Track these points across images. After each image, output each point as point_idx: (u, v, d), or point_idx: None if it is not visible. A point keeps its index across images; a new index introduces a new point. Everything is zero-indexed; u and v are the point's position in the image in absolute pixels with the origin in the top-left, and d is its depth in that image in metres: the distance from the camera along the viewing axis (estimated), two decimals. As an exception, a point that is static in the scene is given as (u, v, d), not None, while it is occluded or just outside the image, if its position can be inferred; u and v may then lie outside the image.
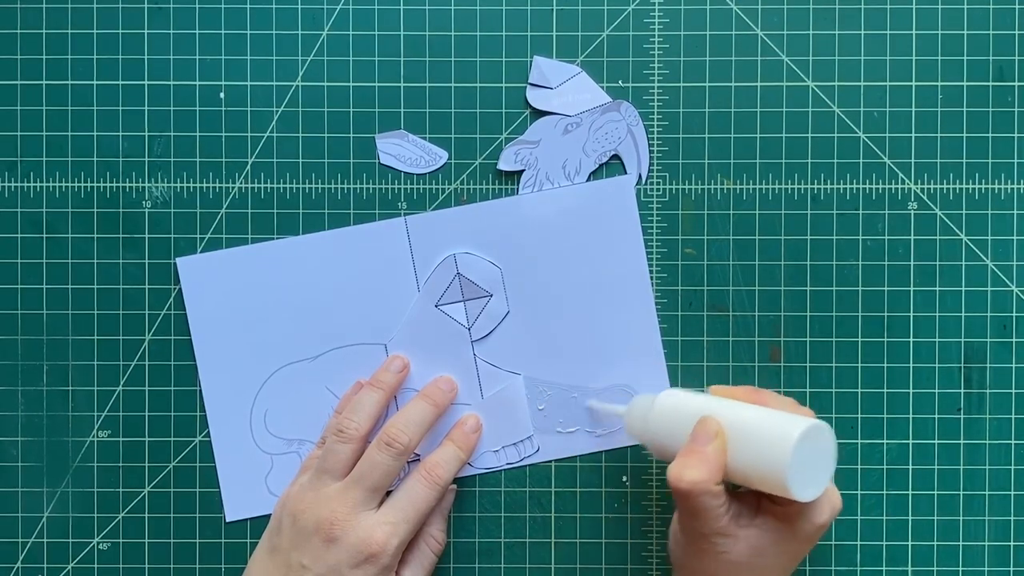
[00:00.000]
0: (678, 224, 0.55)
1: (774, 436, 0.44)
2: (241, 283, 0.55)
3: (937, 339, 0.55)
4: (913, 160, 0.55)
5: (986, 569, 0.55)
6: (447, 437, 0.54)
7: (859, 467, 0.55)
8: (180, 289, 0.55)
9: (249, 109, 0.55)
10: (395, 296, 0.55)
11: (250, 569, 0.51)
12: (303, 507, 0.50)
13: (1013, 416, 0.55)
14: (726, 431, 0.45)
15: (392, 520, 0.49)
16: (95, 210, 0.56)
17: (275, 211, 0.55)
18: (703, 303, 0.55)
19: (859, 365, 0.55)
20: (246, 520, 0.55)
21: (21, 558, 0.55)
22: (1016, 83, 0.55)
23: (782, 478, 0.43)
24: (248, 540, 0.55)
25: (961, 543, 0.55)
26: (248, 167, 0.55)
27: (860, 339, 0.55)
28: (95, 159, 0.56)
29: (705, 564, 0.46)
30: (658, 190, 0.56)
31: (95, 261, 0.56)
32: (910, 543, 0.55)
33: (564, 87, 0.55)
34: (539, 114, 0.55)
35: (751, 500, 0.47)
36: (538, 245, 0.55)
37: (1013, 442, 0.55)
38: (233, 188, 0.56)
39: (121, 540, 0.55)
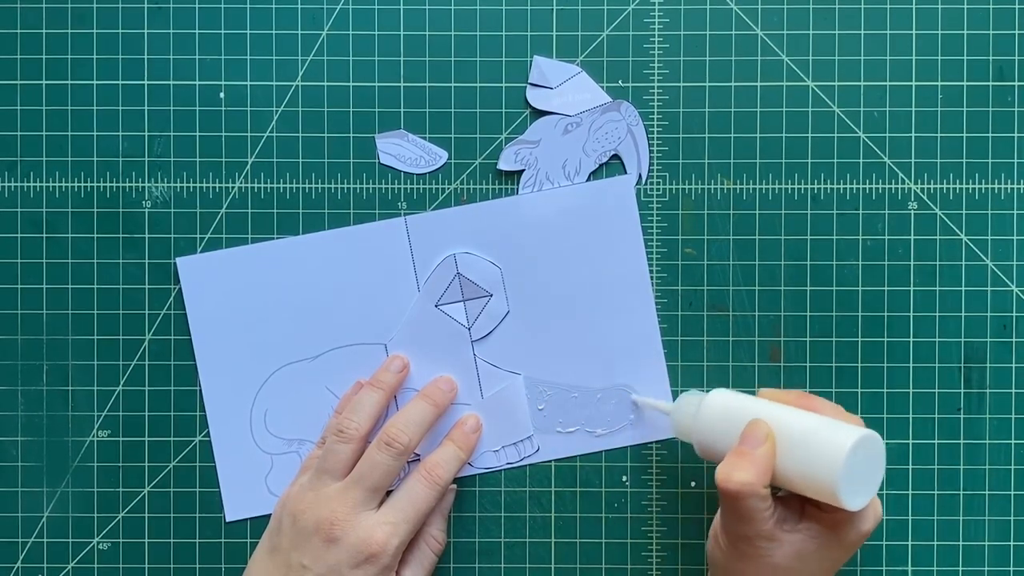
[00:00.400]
0: (678, 224, 0.55)
1: (827, 444, 0.44)
2: (241, 283, 0.55)
3: (937, 339, 0.55)
4: (913, 160, 0.55)
5: (986, 569, 0.55)
6: (447, 437, 0.54)
7: (859, 467, 0.55)
8: (180, 289, 0.55)
9: (249, 109, 0.55)
10: (395, 296, 0.55)
11: (250, 569, 0.51)
12: (303, 507, 0.50)
13: (1013, 416, 0.55)
14: (776, 435, 0.46)
15: (392, 520, 0.49)
16: (95, 210, 0.56)
17: (275, 211, 0.55)
18: (703, 303, 0.55)
19: (859, 365, 0.55)
20: (246, 520, 0.55)
21: (21, 558, 0.55)
22: (1016, 83, 0.55)
23: (833, 486, 0.43)
24: (248, 540, 0.55)
25: (961, 543, 0.55)
26: (248, 167, 0.55)
27: (860, 339, 0.55)
28: (95, 159, 0.56)
29: (746, 566, 0.46)
30: (658, 190, 0.55)
31: (95, 261, 0.56)
32: (910, 543, 0.55)
33: (564, 87, 0.55)
34: (539, 114, 0.55)
35: (795, 505, 0.47)
36: (538, 245, 0.55)
37: (1013, 442, 0.55)
38: (233, 188, 0.56)
39: (121, 540, 0.55)
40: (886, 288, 0.55)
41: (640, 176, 0.55)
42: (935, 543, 0.55)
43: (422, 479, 0.51)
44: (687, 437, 0.51)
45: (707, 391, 0.50)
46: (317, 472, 0.51)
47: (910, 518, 0.55)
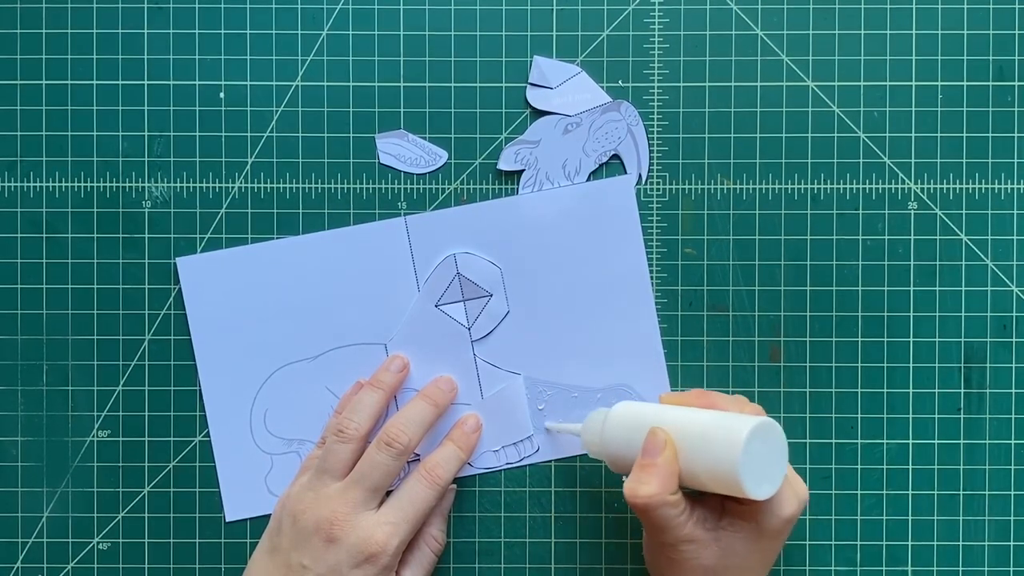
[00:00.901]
0: (678, 224, 0.55)
1: (723, 438, 0.44)
2: (241, 283, 0.55)
3: (937, 339, 0.55)
4: (913, 160, 0.55)
5: (986, 569, 0.55)
6: (447, 437, 0.54)
7: (859, 467, 0.55)
8: (180, 289, 0.55)
9: (249, 109, 0.55)
10: (395, 296, 0.55)
11: (250, 569, 0.51)
12: (303, 507, 0.50)
13: (1013, 416, 0.55)
14: (677, 438, 0.46)
15: (392, 520, 0.49)
16: (95, 210, 0.56)
17: (275, 211, 0.55)
18: (703, 303, 0.55)
19: (859, 365, 0.55)
20: (246, 520, 0.55)
21: (21, 558, 0.55)
22: (1016, 83, 0.55)
23: (735, 479, 0.43)
24: (248, 540, 0.55)
25: (961, 543, 0.55)
26: (248, 167, 0.55)
27: (860, 339, 0.55)
28: (95, 159, 0.56)
29: (679, 573, 0.46)
30: (658, 190, 0.56)
31: (95, 261, 0.56)
32: (910, 543, 0.55)
33: (564, 87, 0.55)
34: (539, 114, 0.55)
35: (715, 503, 0.47)
36: (538, 245, 0.55)
37: (1013, 442, 0.55)
38: (233, 188, 0.56)
39: (121, 540, 0.55)
40: (886, 288, 0.55)
41: (640, 176, 0.55)
42: (935, 543, 0.55)
43: (422, 479, 0.51)
44: (598, 455, 0.51)
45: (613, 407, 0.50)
46: (317, 472, 0.51)
47: (910, 518, 0.55)
